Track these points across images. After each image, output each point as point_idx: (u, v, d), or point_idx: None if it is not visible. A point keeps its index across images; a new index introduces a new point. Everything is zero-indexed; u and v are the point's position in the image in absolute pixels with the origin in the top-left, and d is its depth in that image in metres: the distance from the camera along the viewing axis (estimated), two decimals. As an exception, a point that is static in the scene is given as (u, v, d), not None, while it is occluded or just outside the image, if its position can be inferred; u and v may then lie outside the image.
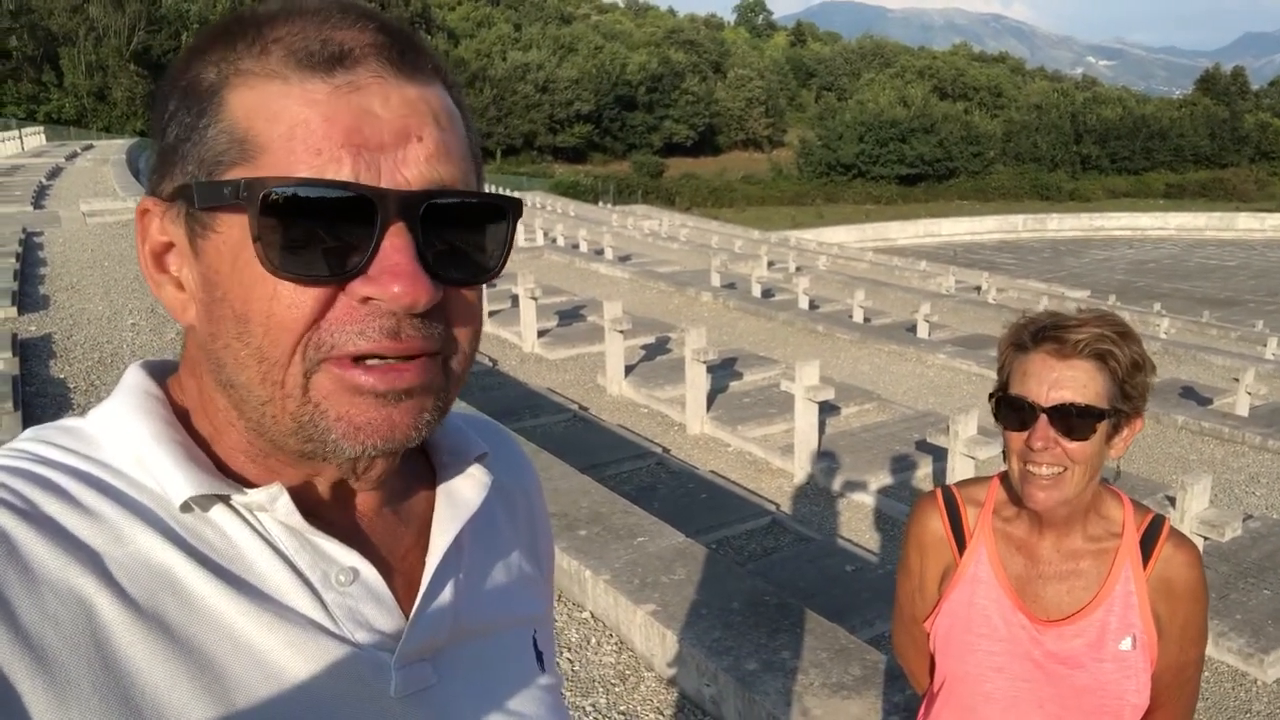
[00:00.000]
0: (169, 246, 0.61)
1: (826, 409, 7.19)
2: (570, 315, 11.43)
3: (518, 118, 66.81)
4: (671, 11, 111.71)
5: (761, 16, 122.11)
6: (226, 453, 0.63)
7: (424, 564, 0.68)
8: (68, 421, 0.64)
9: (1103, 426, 1.34)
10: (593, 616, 3.66)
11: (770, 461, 7.07)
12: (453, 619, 0.69)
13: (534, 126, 67.64)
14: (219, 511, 0.60)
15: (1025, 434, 1.35)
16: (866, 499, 6.38)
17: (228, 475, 0.62)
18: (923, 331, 12.67)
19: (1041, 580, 1.47)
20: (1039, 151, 71.59)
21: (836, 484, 6.57)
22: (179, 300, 0.61)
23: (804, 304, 14.16)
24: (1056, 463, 1.34)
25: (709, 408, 7.79)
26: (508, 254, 0.64)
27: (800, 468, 6.77)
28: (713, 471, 6.85)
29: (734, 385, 8.72)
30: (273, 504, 0.60)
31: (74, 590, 0.53)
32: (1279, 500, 6.55)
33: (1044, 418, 1.32)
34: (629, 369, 8.87)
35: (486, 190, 0.64)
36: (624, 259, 18.34)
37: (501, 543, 0.79)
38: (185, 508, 0.59)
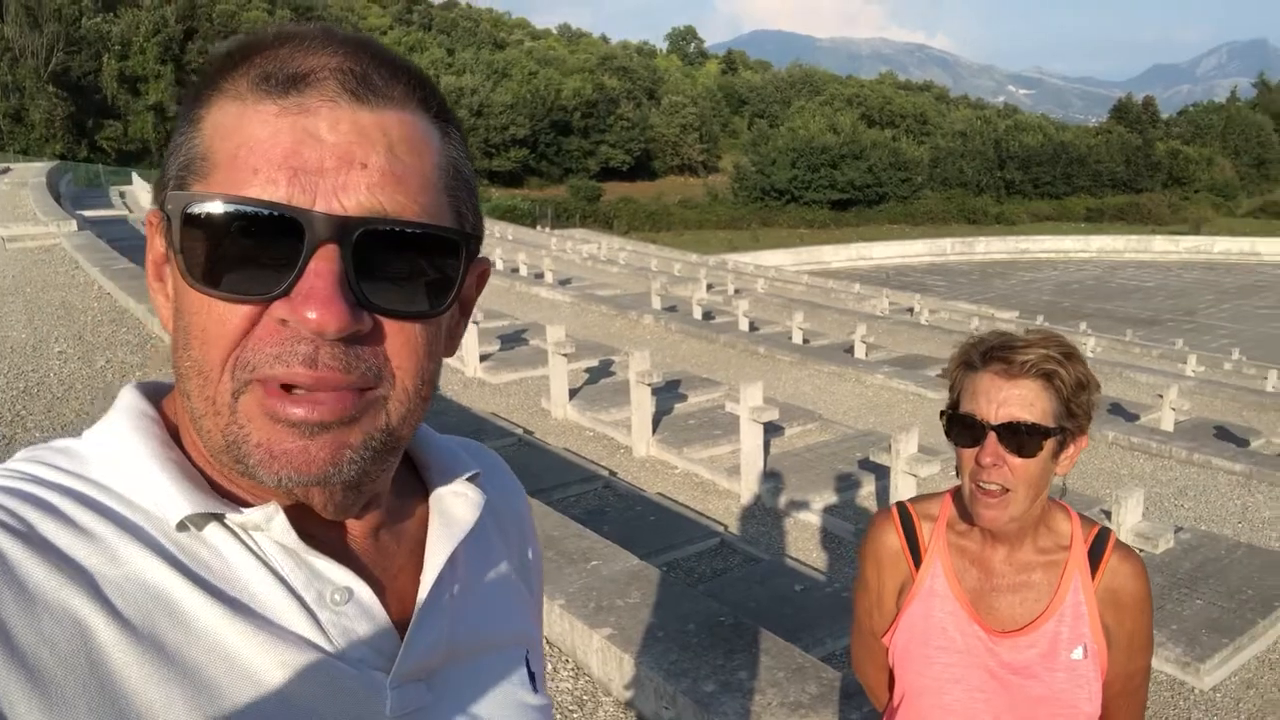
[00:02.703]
0: (165, 256, 0.61)
1: (771, 429, 7.25)
2: (512, 339, 11.36)
3: (453, 142, 66.57)
4: (604, 39, 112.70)
5: (693, 45, 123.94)
6: (220, 471, 0.62)
7: (418, 583, 0.67)
8: (62, 442, 0.63)
9: (1049, 444, 1.37)
10: (548, 642, 3.61)
11: (717, 483, 7.09)
12: (448, 639, 0.68)
13: (470, 150, 67.40)
14: (214, 531, 0.60)
15: (975, 450, 1.38)
16: (812, 518, 6.43)
17: (222, 494, 0.61)
18: (860, 352, 12.90)
19: (995, 592, 1.50)
20: (965, 177, 73.71)
21: (783, 503, 6.62)
22: (165, 310, 0.61)
23: (744, 326, 14.32)
24: (1004, 480, 1.37)
25: (655, 430, 7.80)
26: (458, 290, 0.62)
27: (747, 488, 6.81)
28: (660, 494, 6.85)
29: (679, 407, 8.75)
30: (268, 523, 0.59)
31: (69, 611, 0.53)
32: (1207, 512, 6.79)
33: (993, 435, 1.36)
34: (573, 392, 8.83)
35: (452, 223, 0.62)
36: (564, 282, 18.33)
37: (494, 563, 0.78)
38: (181, 527, 0.59)
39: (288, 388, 0.56)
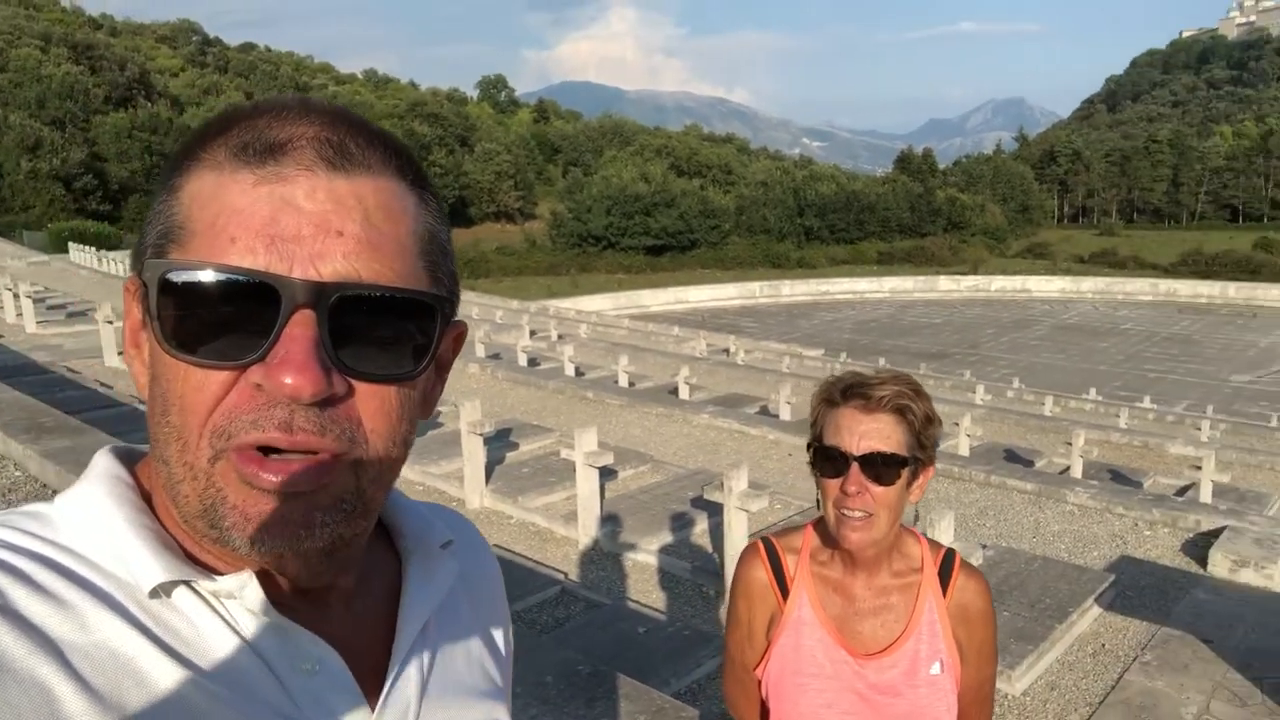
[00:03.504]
0: (142, 323, 0.62)
1: (605, 473, 7.30)
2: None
3: (255, 189, 63.66)
4: (413, 85, 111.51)
5: (504, 93, 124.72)
6: (193, 539, 0.62)
7: (390, 651, 0.67)
8: (34, 506, 0.63)
9: (905, 473, 1.48)
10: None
11: (554, 530, 7.05)
12: (418, 708, 0.68)
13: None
14: (187, 598, 0.60)
15: (839, 480, 1.47)
16: (650, 559, 6.50)
17: (195, 562, 0.61)
18: (684, 393, 13.23)
19: (858, 617, 1.58)
20: (768, 224, 77.71)
21: (621, 547, 6.66)
22: (141, 377, 0.62)
23: (570, 371, 14.38)
24: (866, 507, 1.46)
25: (488, 480, 7.67)
26: (433, 353, 0.62)
27: (585, 534, 6.80)
28: (498, 545, 6.72)
29: (511, 456, 8.65)
30: (241, 591, 0.60)
31: (37, 679, 0.52)
32: (1005, 529, 7.39)
33: (855, 465, 1.45)
34: (400, 446, 8.54)
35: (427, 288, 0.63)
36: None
37: (465, 632, 0.78)
38: (153, 594, 0.58)
39: (264, 451, 0.56)
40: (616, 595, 6.03)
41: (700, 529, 6.97)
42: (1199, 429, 14.15)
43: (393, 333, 0.60)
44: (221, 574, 0.60)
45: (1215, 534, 6.90)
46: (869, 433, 1.46)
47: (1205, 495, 8.98)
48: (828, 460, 1.49)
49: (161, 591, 0.58)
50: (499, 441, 8.77)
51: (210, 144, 0.60)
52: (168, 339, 0.56)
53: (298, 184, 0.57)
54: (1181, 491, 9.48)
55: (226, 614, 0.60)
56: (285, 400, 0.55)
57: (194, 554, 0.61)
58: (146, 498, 0.64)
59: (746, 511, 5.99)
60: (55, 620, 0.55)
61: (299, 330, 0.55)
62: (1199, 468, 9.26)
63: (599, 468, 6.81)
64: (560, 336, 19.50)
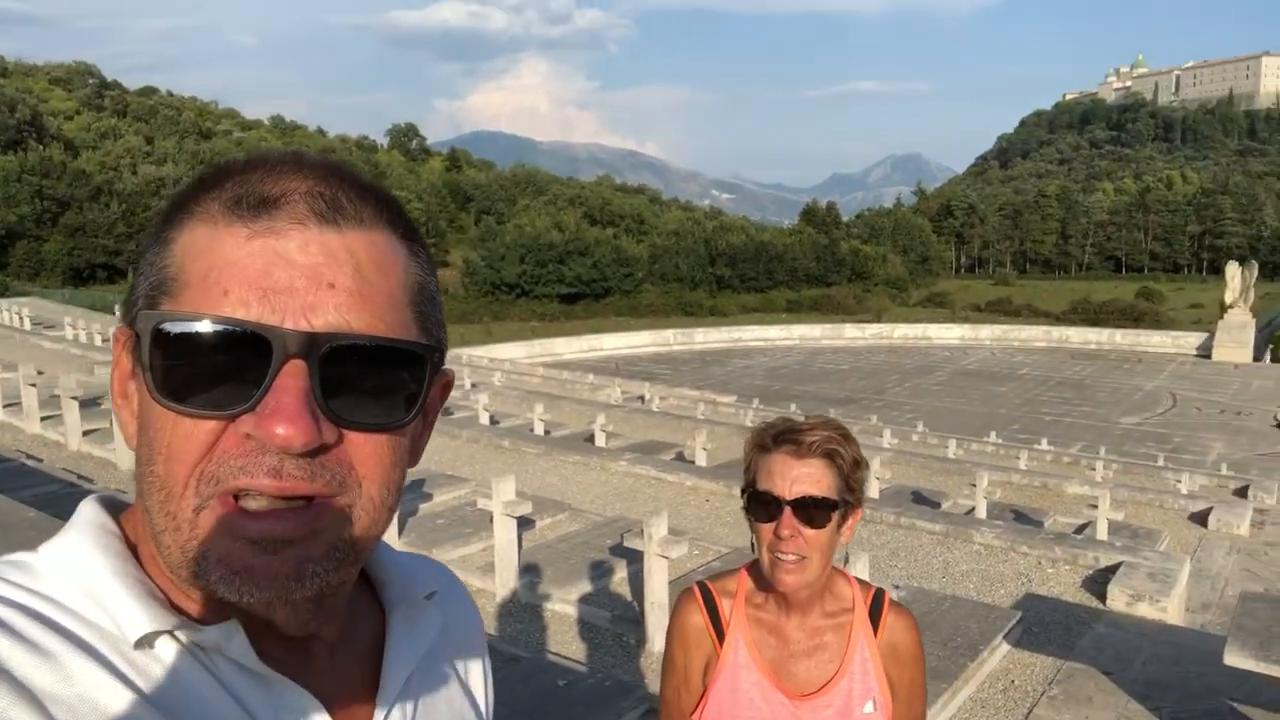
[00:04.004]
0: (131, 373, 0.62)
1: (523, 523, 7.21)
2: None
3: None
4: (321, 132, 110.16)
5: (415, 141, 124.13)
6: (179, 588, 0.62)
7: (374, 702, 0.67)
8: (18, 556, 0.63)
9: (835, 515, 1.52)
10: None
11: (471, 582, 6.90)
12: None
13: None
14: (172, 649, 0.59)
15: (773, 525, 1.50)
16: (570, 610, 6.43)
17: (181, 612, 0.61)
18: (600, 440, 13.21)
19: (793, 658, 1.60)
20: (681, 272, 78.80)
21: (539, 598, 6.57)
22: (130, 427, 0.62)
23: (485, 419, 14.23)
24: (799, 550, 1.49)
25: (401, 532, 7.49)
26: (423, 401, 0.64)
27: (502, 585, 6.69)
28: (411, 599, 6.55)
29: (425, 507, 8.48)
30: (228, 641, 0.59)
31: None
32: (917, 570, 7.56)
33: (789, 509, 1.49)
34: (309, 499, 8.29)
35: (412, 338, 0.63)
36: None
37: (449, 683, 0.78)
38: (138, 645, 0.58)
39: (240, 498, 0.56)
40: (535, 648, 5.93)
41: (619, 577, 6.93)
42: (1094, 469, 14.79)
43: (383, 382, 0.60)
44: (207, 623, 0.60)
45: (1112, 570, 7.20)
46: (800, 477, 1.50)
47: (1102, 533, 9.37)
48: (761, 505, 1.52)
49: (146, 642, 0.58)
50: (413, 492, 8.60)
51: (203, 197, 0.61)
52: (159, 388, 0.57)
53: (291, 238, 0.58)
54: (1080, 529, 9.87)
55: (211, 665, 0.60)
56: (276, 450, 0.56)
57: (180, 604, 0.61)
58: (132, 548, 0.64)
59: (666, 558, 5.99)
60: (38, 671, 0.54)
61: (290, 380, 0.56)
62: (1095, 506, 9.66)
63: (517, 517, 6.73)
64: (474, 385, 19.29)
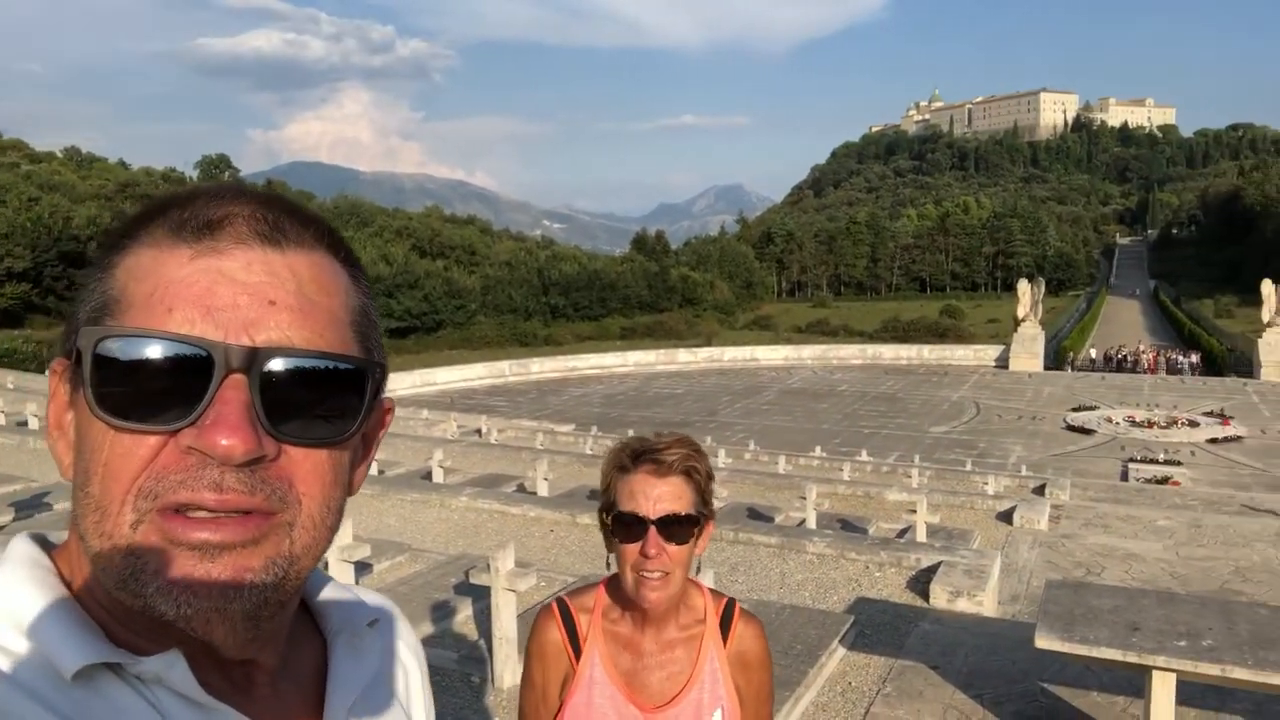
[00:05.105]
0: (67, 405, 0.63)
1: (360, 568, 6.96)
2: (30, 505, 9.60)
3: (-75, 277, 55.46)
4: (123, 164, 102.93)
5: (228, 173, 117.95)
6: (118, 619, 0.62)
7: None
8: None
9: (695, 530, 1.57)
10: None
11: (306, 633, 6.59)
12: None
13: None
14: (111, 682, 0.59)
15: (638, 544, 1.53)
16: (414, 652, 6.24)
17: (121, 644, 0.60)
18: (439, 476, 12.91)
19: (646, 671, 1.65)
20: (514, 303, 78.48)
21: (382, 643, 6.34)
22: (66, 458, 0.63)
23: (314, 463, 13.62)
24: (663, 567, 1.54)
25: (228, 586, 7.05)
26: (365, 417, 0.64)
27: (341, 633, 6.42)
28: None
29: (253, 558, 8.02)
30: (169, 671, 0.59)
31: None
32: (756, 582, 7.81)
33: (654, 528, 1.52)
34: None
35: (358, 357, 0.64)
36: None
37: (391, 710, 0.77)
38: (76, 678, 0.57)
39: (180, 511, 0.57)
40: (380, 694, 5.72)
41: (464, 616, 6.80)
42: (910, 476, 15.75)
43: (324, 397, 0.61)
44: (148, 654, 0.59)
45: (933, 569, 7.71)
46: (663, 496, 1.53)
47: (921, 535, 10.01)
48: (625, 526, 1.55)
49: (84, 676, 0.57)
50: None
51: (147, 224, 0.61)
52: (100, 404, 0.57)
53: (234, 257, 0.59)
54: (901, 533, 10.49)
55: (152, 697, 0.59)
56: (216, 461, 0.56)
57: (118, 636, 0.60)
58: (68, 583, 0.63)
59: (514, 591, 5.93)
60: None
61: (231, 394, 0.57)
62: (914, 511, 10.30)
63: (354, 562, 6.49)
64: (301, 426, 18.45)
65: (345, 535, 6.41)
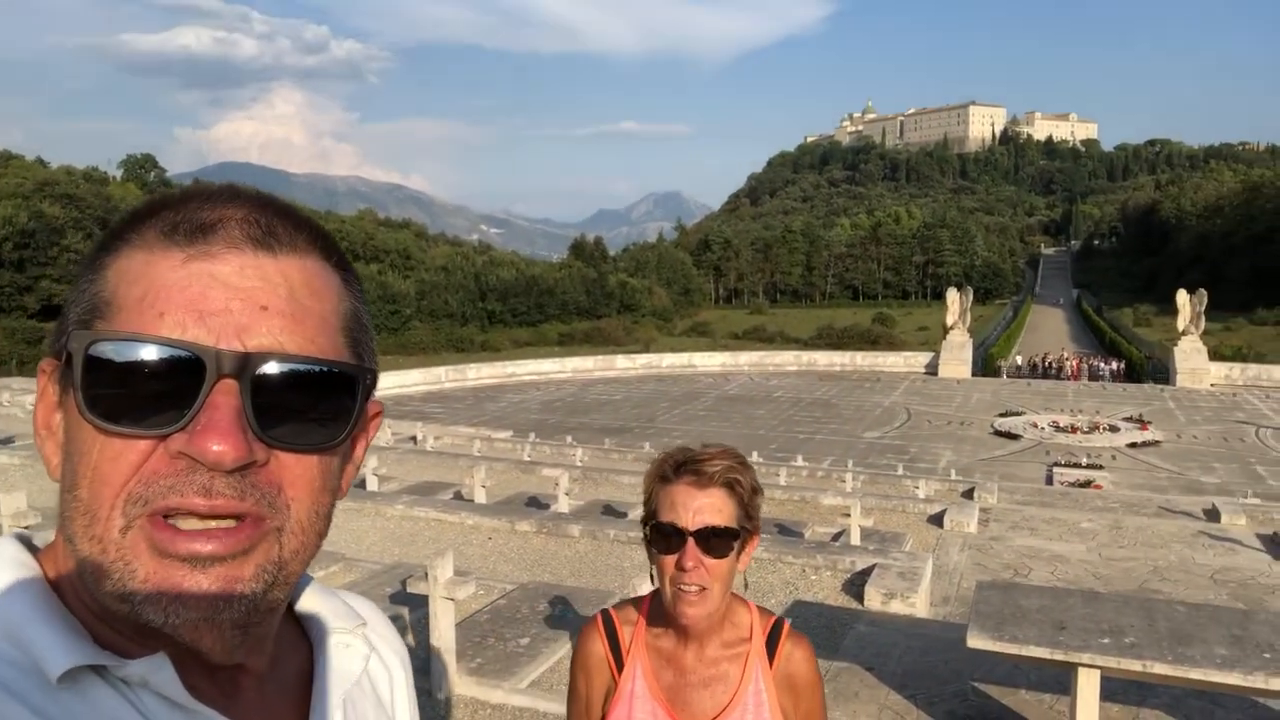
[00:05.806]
0: (56, 405, 0.63)
1: (294, 577, 6.81)
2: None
3: None
4: (42, 162, 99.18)
5: (154, 173, 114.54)
6: (105, 621, 0.61)
7: None
8: None
9: (736, 544, 1.54)
10: None
11: (237, 646, 6.42)
12: None
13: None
14: (97, 685, 0.58)
15: (675, 556, 1.50)
16: (349, 663, 6.13)
17: (107, 646, 0.60)
18: (373, 485, 12.72)
19: (689, 688, 1.61)
20: (451, 308, 77.79)
21: (315, 655, 6.21)
22: (54, 459, 0.62)
23: (244, 471, 13.30)
24: (701, 580, 1.50)
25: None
26: (355, 424, 0.64)
27: (273, 645, 6.27)
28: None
29: (180, 569, 7.79)
30: (155, 674, 0.59)
31: None
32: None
33: (692, 540, 1.49)
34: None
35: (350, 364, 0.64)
36: (5, 442, 15.37)
37: (376, 714, 0.77)
38: (61, 681, 0.57)
39: (169, 518, 0.56)
40: (314, 707, 5.61)
41: (401, 626, 6.70)
42: (844, 481, 16.00)
43: (314, 403, 0.61)
44: (134, 657, 0.58)
45: (867, 572, 7.84)
46: (703, 508, 1.50)
47: (855, 539, 10.17)
48: (664, 537, 1.52)
49: (69, 679, 0.57)
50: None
51: (138, 226, 0.61)
52: (90, 407, 0.57)
53: (226, 261, 0.59)
54: (836, 537, 10.64)
55: (137, 701, 0.58)
56: (206, 467, 0.56)
57: (104, 638, 0.60)
58: (54, 585, 0.62)
59: (453, 600, 5.87)
60: None
61: (222, 399, 0.57)
62: (848, 515, 10.46)
63: (287, 571, 6.35)
64: (230, 434, 17.99)
65: (278, 545, 6.27)
